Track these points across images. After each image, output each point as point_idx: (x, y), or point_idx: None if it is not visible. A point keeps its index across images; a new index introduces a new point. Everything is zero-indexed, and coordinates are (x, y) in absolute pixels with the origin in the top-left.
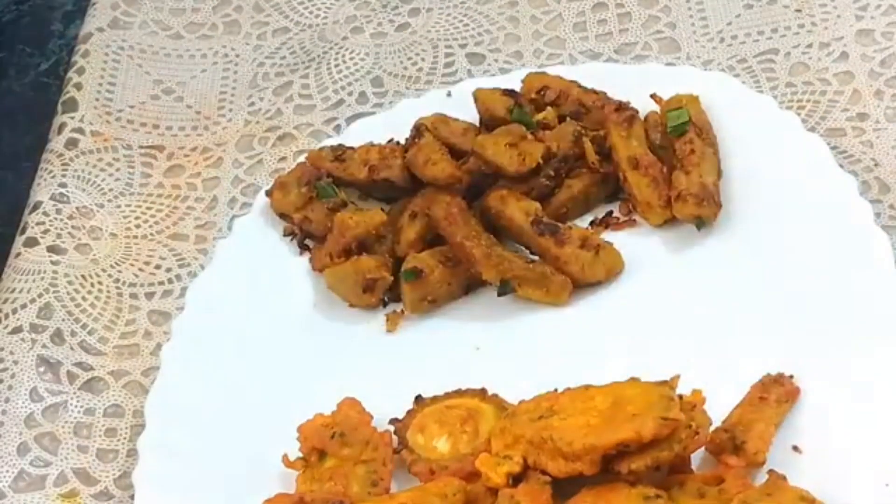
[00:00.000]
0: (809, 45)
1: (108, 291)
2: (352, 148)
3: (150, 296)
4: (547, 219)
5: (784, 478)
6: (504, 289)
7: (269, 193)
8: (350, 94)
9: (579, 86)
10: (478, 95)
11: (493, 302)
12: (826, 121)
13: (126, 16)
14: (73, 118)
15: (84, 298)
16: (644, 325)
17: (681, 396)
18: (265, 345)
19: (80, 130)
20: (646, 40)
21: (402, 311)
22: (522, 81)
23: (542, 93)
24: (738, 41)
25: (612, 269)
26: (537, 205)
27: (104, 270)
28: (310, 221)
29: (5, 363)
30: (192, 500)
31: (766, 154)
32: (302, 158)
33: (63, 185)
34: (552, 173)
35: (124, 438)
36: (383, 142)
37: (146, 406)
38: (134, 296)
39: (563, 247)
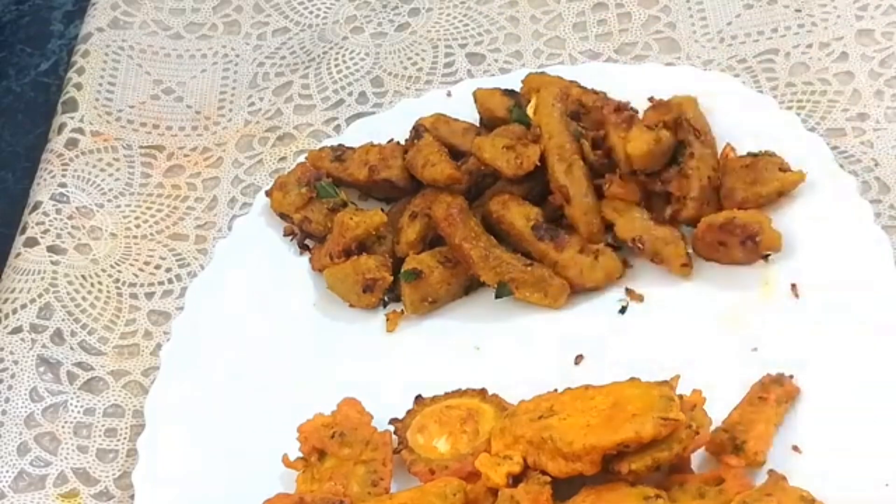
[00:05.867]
0: (809, 45)
1: (108, 291)
2: (352, 148)
3: (150, 296)
4: (547, 224)
5: (784, 478)
6: (501, 291)
7: (269, 193)
8: (350, 94)
9: (579, 86)
10: (478, 95)
11: (492, 302)
12: (826, 121)
13: (126, 16)
14: (73, 118)
15: (84, 298)
16: (644, 324)
17: (681, 396)
18: (265, 345)
19: (80, 130)
20: (646, 40)
21: (402, 311)
22: (522, 81)
23: None
24: (738, 41)
25: (611, 274)
26: (538, 210)
27: (104, 270)
28: (310, 221)
29: (5, 363)
30: (192, 501)
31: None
32: (302, 158)
33: (63, 185)
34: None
35: (124, 438)
36: (383, 142)
37: (146, 406)
38: (134, 296)
39: (563, 251)
